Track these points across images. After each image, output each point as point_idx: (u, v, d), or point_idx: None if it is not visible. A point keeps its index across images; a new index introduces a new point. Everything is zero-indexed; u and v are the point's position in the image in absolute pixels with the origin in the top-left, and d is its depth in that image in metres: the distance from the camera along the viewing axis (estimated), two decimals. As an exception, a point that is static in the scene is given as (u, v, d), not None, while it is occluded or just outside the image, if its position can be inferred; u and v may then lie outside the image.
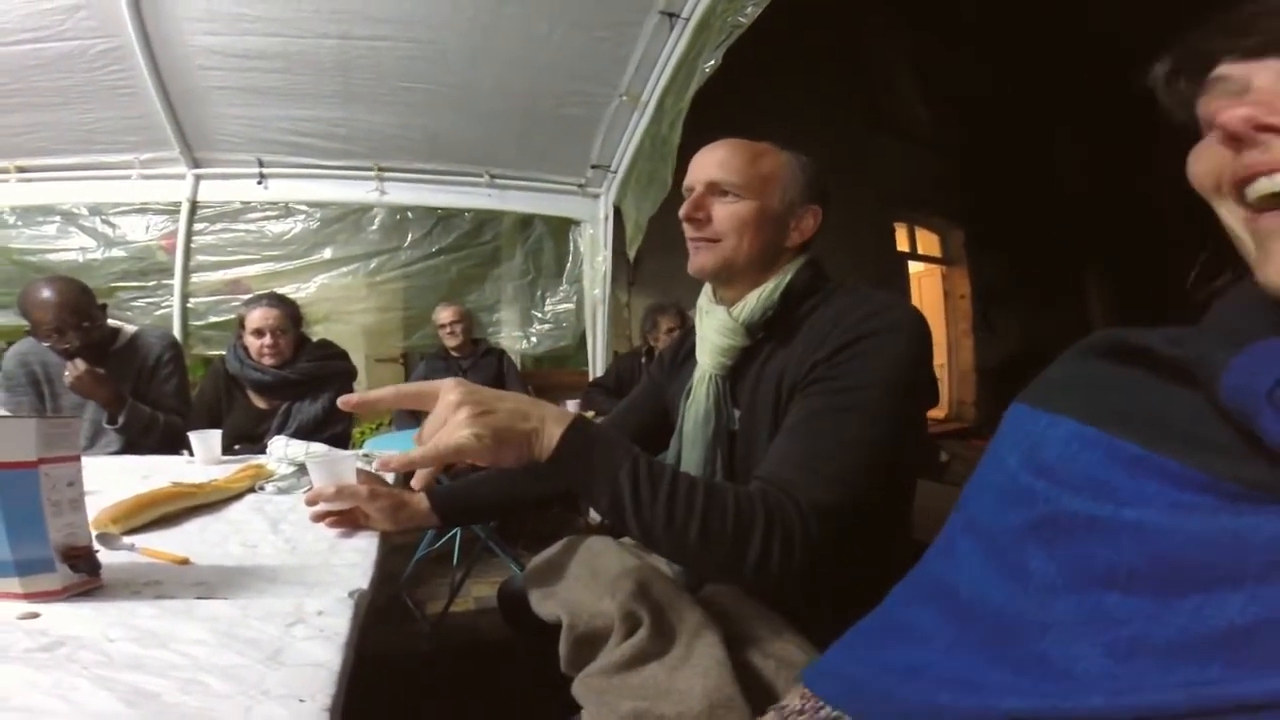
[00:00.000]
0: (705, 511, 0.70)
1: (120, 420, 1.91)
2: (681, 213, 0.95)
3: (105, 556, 0.78)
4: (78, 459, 0.72)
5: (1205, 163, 0.42)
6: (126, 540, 0.91)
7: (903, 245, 7.69)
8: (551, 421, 0.69)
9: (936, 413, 7.04)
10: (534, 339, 3.81)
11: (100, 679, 0.54)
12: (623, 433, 1.16)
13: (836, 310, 0.87)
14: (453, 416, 0.66)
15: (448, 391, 0.68)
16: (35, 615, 0.66)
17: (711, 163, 0.94)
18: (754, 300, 0.91)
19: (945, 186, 7.30)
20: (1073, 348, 0.50)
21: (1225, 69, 0.42)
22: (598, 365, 3.79)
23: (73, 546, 0.71)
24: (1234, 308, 0.42)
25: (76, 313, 1.86)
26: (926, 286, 7.96)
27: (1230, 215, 0.41)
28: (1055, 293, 6.98)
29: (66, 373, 1.85)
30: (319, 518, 1.02)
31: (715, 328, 0.94)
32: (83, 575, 0.72)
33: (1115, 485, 0.40)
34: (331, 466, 1.06)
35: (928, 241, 7.95)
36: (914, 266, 7.83)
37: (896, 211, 7.38)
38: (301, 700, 0.52)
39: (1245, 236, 0.40)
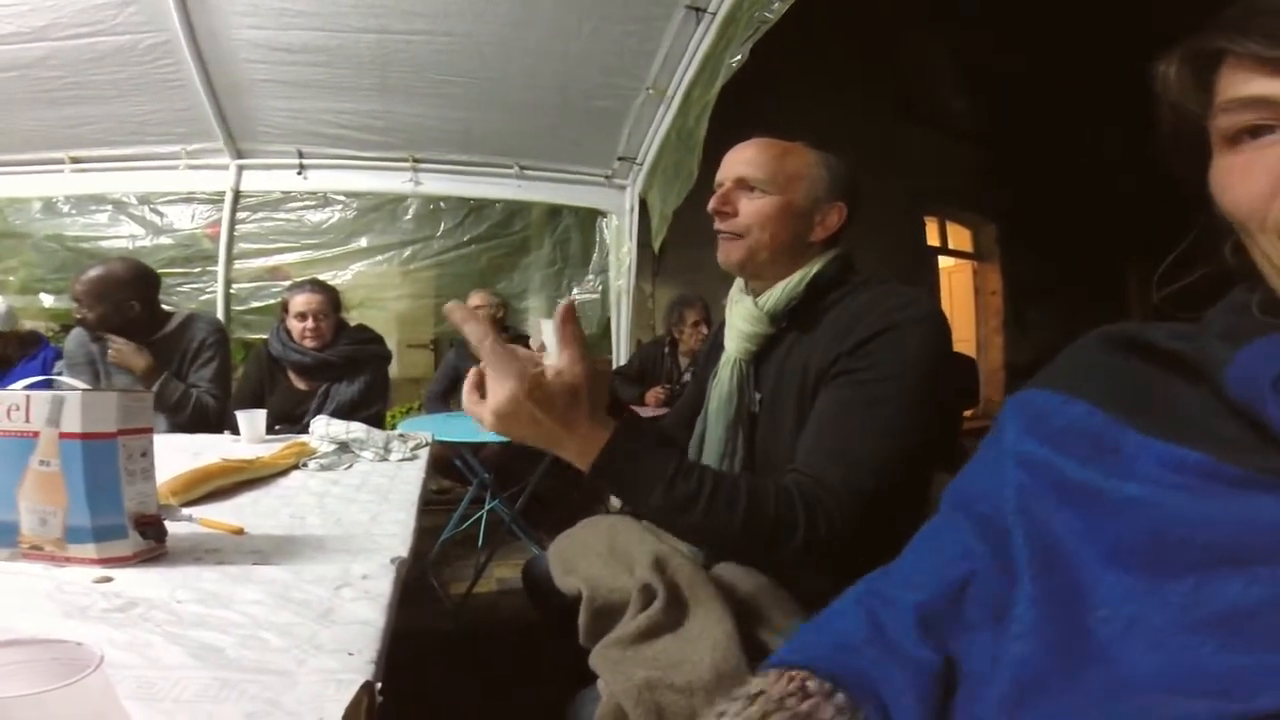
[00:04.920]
0: (748, 512, 0.76)
1: (154, 389, 2.02)
2: (710, 206, 1.00)
3: (167, 526, 0.84)
4: (150, 431, 0.79)
5: (1250, 191, 0.39)
6: (185, 511, 0.99)
7: (933, 239, 7.58)
8: (575, 457, 0.76)
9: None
10: (560, 327, 3.88)
11: (171, 635, 0.59)
12: (672, 427, 1.21)
13: (860, 303, 0.91)
14: (487, 407, 0.72)
15: (493, 395, 0.71)
16: (109, 579, 0.72)
17: (740, 160, 0.99)
18: (779, 290, 0.96)
19: (978, 181, 7.16)
20: (1078, 341, 0.51)
21: (1267, 87, 0.38)
22: (621, 354, 3.84)
23: (143, 514, 0.78)
24: (1228, 309, 0.44)
25: (91, 294, 1.99)
26: (957, 282, 7.84)
27: (1270, 245, 0.39)
28: (1094, 291, 6.81)
29: (109, 350, 2.01)
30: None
31: (741, 315, 1.00)
32: (151, 542, 0.78)
33: (1122, 464, 0.41)
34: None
35: (959, 236, 7.82)
36: (944, 261, 7.71)
37: (927, 205, 7.27)
38: (350, 654, 0.57)
39: None
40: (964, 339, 7.45)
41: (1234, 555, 0.34)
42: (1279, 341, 0.37)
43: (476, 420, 0.73)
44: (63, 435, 0.72)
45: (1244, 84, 0.39)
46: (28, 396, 0.73)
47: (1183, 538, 0.36)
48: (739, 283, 1.06)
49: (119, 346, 2.01)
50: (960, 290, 7.77)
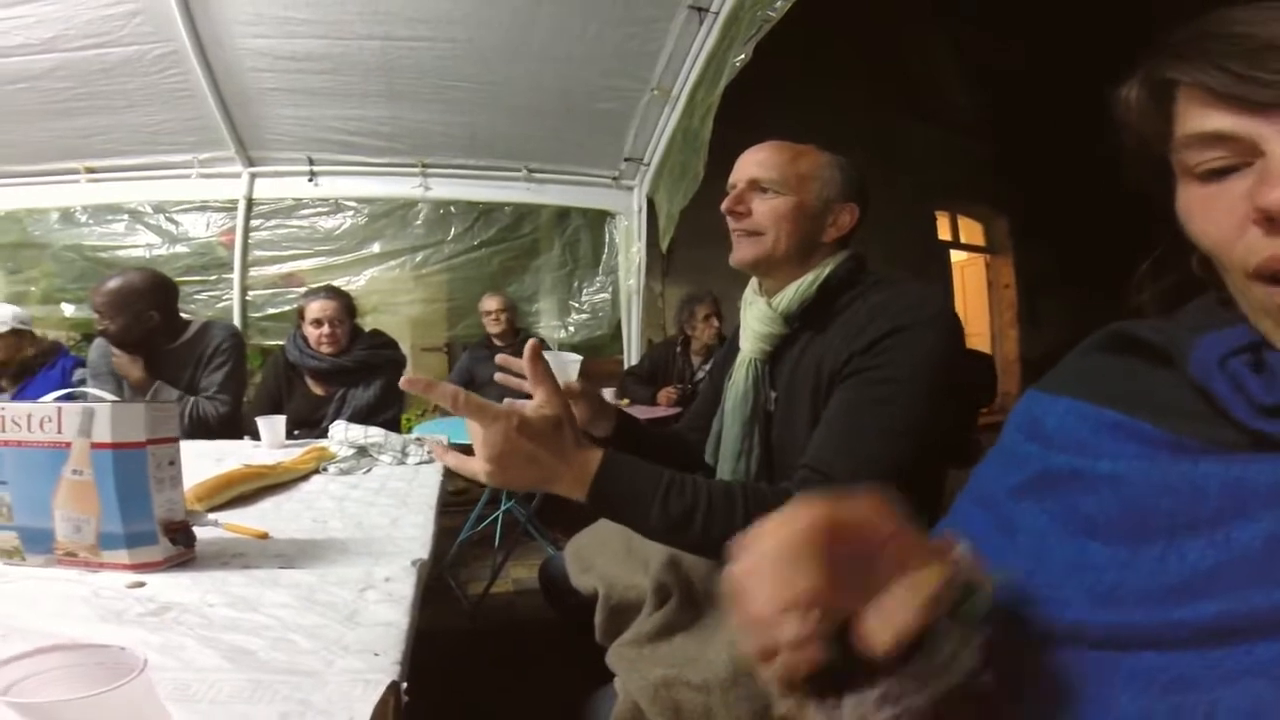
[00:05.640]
0: (748, 521, 0.74)
1: (146, 398, 2.04)
2: (724, 206, 1.01)
3: (195, 531, 0.86)
4: (177, 440, 0.81)
5: (1217, 227, 0.40)
6: (210, 517, 1.01)
7: (944, 234, 7.52)
8: (571, 487, 0.74)
9: (978, 403, 6.90)
10: (571, 328, 3.91)
11: (204, 639, 0.61)
12: (689, 429, 1.22)
13: (872, 304, 0.92)
14: (478, 460, 0.72)
15: (483, 444, 0.71)
16: (142, 584, 0.74)
17: (753, 161, 1.01)
18: (792, 291, 0.98)
19: (988, 174, 7.11)
20: (1080, 344, 0.54)
21: (1224, 123, 0.38)
22: (632, 354, 3.86)
23: (172, 521, 0.80)
24: (1198, 307, 0.47)
25: (111, 305, 2.03)
26: (970, 275, 7.78)
27: (1240, 281, 0.40)
28: (1107, 282, 6.73)
29: (112, 360, 2.07)
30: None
31: (756, 316, 1.02)
32: (180, 547, 0.81)
33: (1099, 445, 0.44)
34: (561, 366, 1.07)
35: (970, 230, 7.76)
36: (957, 255, 7.65)
37: (937, 199, 7.22)
38: (376, 654, 0.59)
39: (1259, 309, 0.40)
40: (978, 332, 7.40)
41: (1191, 521, 0.37)
42: (1238, 331, 0.41)
43: (471, 475, 0.73)
44: (94, 445, 0.74)
45: (1201, 117, 0.40)
46: (59, 409, 0.75)
47: (1149, 506, 0.39)
48: (753, 284, 1.07)
49: (117, 360, 2.07)
50: (974, 284, 7.72)
